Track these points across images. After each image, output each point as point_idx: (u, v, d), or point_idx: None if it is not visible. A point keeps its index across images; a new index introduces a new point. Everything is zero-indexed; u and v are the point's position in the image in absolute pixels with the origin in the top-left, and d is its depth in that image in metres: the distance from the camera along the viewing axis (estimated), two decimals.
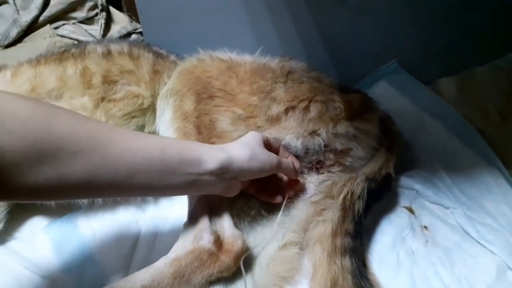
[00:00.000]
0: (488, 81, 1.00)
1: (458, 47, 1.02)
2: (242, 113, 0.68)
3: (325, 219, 0.64)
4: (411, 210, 0.74)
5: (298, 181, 0.67)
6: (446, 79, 1.03)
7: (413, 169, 0.82)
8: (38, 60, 0.75)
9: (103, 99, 0.71)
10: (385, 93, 0.98)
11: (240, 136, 0.65)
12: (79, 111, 0.68)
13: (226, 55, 0.76)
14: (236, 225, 0.62)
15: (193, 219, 0.60)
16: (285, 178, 0.67)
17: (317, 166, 0.73)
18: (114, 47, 0.79)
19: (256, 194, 0.64)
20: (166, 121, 0.72)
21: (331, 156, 0.72)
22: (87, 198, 0.63)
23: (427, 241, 0.69)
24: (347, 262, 0.59)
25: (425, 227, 0.71)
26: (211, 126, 0.68)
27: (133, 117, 0.74)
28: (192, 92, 0.71)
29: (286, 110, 0.69)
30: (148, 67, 0.78)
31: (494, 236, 0.68)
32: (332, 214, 0.64)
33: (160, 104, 0.74)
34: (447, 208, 0.74)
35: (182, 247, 0.57)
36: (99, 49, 0.78)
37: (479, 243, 0.67)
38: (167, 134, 0.71)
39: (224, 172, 0.53)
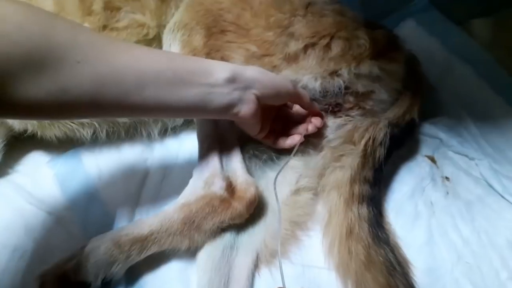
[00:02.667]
0: None
1: None
2: (257, 51, 0.63)
3: (343, 165, 0.61)
4: (433, 160, 0.71)
5: (316, 110, 0.63)
6: (481, 20, 0.95)
7: (437, 116, 0.78)
8: None
9: (104, 27, 0.65)
10: (412, 32, 0.91)
11: None
12: None
13: None
14: (248, 170, 0.60)
15: (204, 163, 0.58)
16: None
17: (335, 109, 0.68)
18: None
19: (274, 143, 0.62)
20: None
21: (351, 98, 0.67)
22: (94, 116, 0.58)
23: (447, 193, 0.66)
24: (364, 210, 0.58)
25: (447, 178, 0.69)
26: None
27: None
28: (201, 26, 0.65)
29: (305, 48, 0.63)
30: None
31: None
32: (352, 160, 0.61)
33: (166, 38, 0.69)
34: (472, 159, 0.71)
35: (193, 192, 0.56)
36: None
37: (503, 197, 0.65)
38: None
39: (237, 81, 0.50)
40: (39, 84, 0.36)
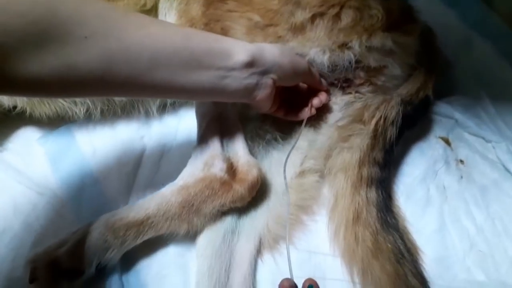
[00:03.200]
0: None
1: None
2: (260, 21, 0.60)
3: (351, 146, 0.59)
4: (447, 141, 0.69)
5: (325, 89, 0.62)
6: None
7: (453, 94, 0.75)
8: None
9: None
10: (429, 3, 0.87)
11: None
12: None
13: None
14: (250, 150, 0.58)
15: (203, 143, 0.55)
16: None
17: (344, 85, 0.66)
18: None
19: (285, 115, 0.60)
20: None
21: (362, 74, 0.64)
22: (99, 95, 0.57)
23: (461, 177, 0.64)
24: (373, 194, 0.56)
25: (461, 161, 0.66)
26: (223, 35, 0.60)
27: None
28: None
29: (313, 18, 0.59)
30: None
31: None
32: (361, 141, 0.59)
33: (162, 7, 0.65)
34: (489, 141, 0.69)
35: (191, 174, 0.53)
36: None
37: None
38: None
39: (256, 65, 0.48)
40: (42, 59, 0.34)
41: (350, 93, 0.65)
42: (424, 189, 0.62)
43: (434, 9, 0.87)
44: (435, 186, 0.63)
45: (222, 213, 0.54)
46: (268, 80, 0.50)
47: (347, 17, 0.59)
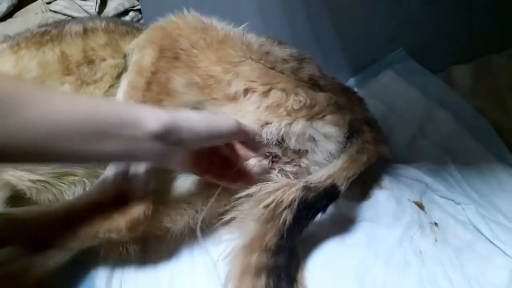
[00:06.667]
0: (505, 70, 0.98)
1: (474, 33, 1.01)
2: (199, 82, 0.67)
3: (242, 233, 0.61)
4: (420, 206, 0.74)
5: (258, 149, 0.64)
6: (460, 67, 1.03)
7: (422, 161, 0.82)
8: (18, 44, 0.75)
9: (83, 82, 0.72)
10: (392, 82, 0.99)
11: (189, 100, 0.65)
12: None
13: (211, 20, 0.74)
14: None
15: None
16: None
17: (274, 160, 0.72)
18: (90, 25, 0.79)
19: (219, 179, 0.60)
20: (124, 77, 0.72)
21: (289, 153, 0.70)
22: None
23: (436, 240, 0.68)
24: (262, 282, 0.56)
25: (435, 223, 0.71)
26: (164, 84, 0.67)
27: (114, 87, 0.74)
28: (154, 47, 0.69)
29: (246, 91, 0.66)
30: (121, 35, 0.78)
31: (509, 236, 0.68)
32: (253, 225, 0.60)
33: (127, 65, 0.75)
34: (458, 203, 0.74)
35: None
36: (75, 28, 0.77)
37: (492, 243, 0.67)
38: (120, 90, 0.70)
39: (168, 134, 0.48)
40: None
41: (274, 168, 0.68)
42: (402, 254, 0.66)
43: (398, 87, 0.97)
44: (412, 251, 0.66)
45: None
46: (180, 151, 0.51)
47: (273, 97, 0.65)
